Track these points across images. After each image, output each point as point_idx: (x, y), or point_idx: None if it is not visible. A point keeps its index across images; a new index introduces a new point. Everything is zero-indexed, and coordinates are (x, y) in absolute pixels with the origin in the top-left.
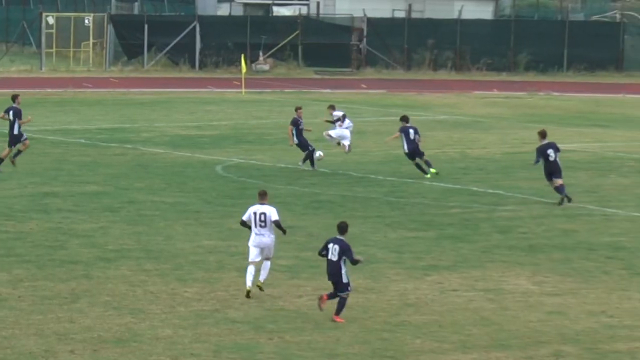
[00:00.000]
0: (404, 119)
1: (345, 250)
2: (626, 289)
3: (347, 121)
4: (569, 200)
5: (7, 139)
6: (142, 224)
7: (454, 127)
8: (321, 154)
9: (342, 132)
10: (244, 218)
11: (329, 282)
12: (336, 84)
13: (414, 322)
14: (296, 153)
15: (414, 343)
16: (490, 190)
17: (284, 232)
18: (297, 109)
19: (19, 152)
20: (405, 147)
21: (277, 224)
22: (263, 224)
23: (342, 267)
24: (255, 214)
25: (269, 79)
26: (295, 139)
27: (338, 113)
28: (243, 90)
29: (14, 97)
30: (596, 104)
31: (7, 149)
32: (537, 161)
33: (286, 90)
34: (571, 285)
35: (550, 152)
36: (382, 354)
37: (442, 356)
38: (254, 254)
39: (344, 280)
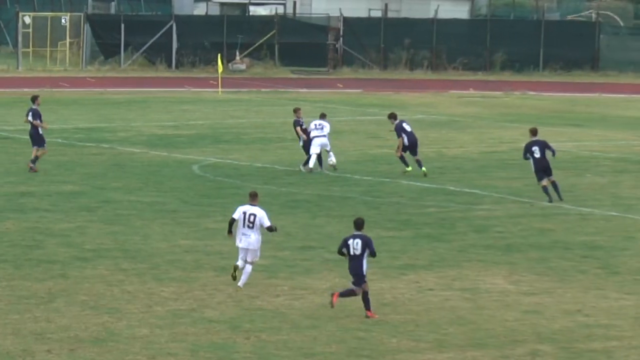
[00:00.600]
0: (393, 116)
1: (367, 243)
2: (602, 288)
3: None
4: (560, 198)
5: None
6: (119, 224)
7: (430, 126)
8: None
9: (321, 141)
10: (235, 216)
11: (307, 282)
12: (313, 83)
13: (390, 321)
14: (274, 153)
15: (390, 342)
16: (467, 190)
17: (275, 229)
18: (296, 110)
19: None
20: (406, 140)
21: (269, 229)
22: (251, 225)
23: (364, 261)
24: (245, 213)
25: (246, 79)
26: (300, 140)
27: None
28: (220, 89)
29: (34, 98)
30: (572, 103)
31: (42, 149)
32: (526, 158)
33: (263, 90)
34: (547, 285)
35: (535, 149)
36: (359, 353)
37: (419, 355)
38: (241, 256)
39: (364, 273)
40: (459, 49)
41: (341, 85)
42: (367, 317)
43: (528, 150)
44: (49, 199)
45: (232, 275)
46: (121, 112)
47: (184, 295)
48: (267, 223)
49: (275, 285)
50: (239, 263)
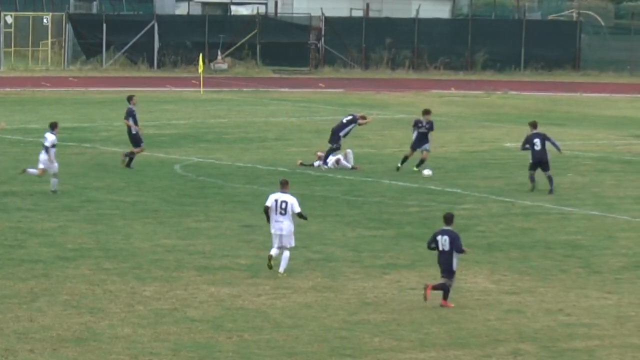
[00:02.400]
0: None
1: (454, 240)
2: (583, 287)
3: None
4: (551, 191)
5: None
6: (101, 223)
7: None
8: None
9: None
10: (268, 204)
11: (289, 281)
12: (294, 82)
13: (372, 320)
14: (254, 153)
15: (372, 341)
16: (448, 189)
17: (305, 218)
18: (130, 98)
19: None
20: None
21: (300, 215)
22: (283, 212)
23: (455, 256)
24: (277, 201)
25: (228, 78)
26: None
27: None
28: (201, 89)
29: (129, 98)
30: (553, 102)
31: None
32: (523, 148)
33: (244, 90)
34: (529, 284)
35: (537, 141)
36: (341, 352)
37: (401, 354)
38: (276, 243)
39: (454, 268)
40: (441, 48)
41: (323, 85)
42: (442, 306)
43: (529, 141)
44: (31, 198)
45: (267, 265)
46: (103, 111)
47: (166, 295)
48: (297, 209)
49: (258, 285)
50: (273, 252)
